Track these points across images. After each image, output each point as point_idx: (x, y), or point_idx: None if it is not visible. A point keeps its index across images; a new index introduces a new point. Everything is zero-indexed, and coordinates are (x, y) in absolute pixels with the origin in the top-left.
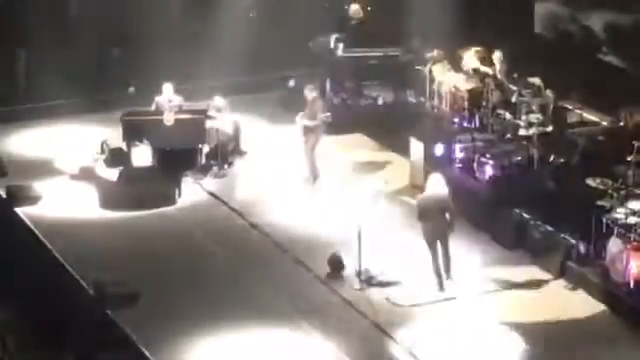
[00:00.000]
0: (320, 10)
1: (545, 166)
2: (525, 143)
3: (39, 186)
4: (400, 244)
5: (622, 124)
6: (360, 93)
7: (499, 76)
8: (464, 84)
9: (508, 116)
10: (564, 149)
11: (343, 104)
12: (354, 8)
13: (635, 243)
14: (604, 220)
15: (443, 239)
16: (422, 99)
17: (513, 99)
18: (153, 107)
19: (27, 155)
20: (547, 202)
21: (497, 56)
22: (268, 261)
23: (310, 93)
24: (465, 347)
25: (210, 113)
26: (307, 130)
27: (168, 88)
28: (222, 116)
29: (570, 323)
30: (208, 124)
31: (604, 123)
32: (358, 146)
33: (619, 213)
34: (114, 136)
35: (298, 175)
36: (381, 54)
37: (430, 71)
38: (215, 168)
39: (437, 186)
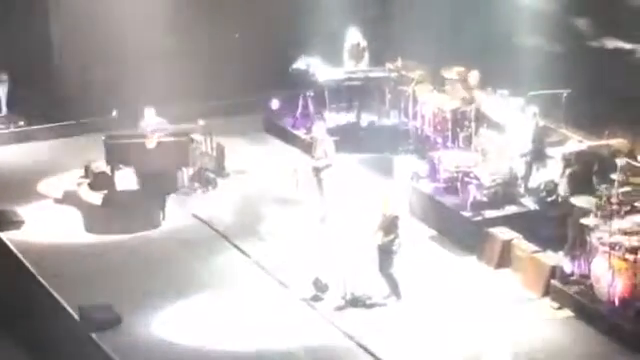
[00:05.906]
0: (304, 31)
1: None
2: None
3: (22, 210)
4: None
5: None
6: (343, 114)
7: (479, 95)
8: (447, 104)
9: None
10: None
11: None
12: (353, 32)
13: (620, 261)
14: (589, 239)
15: None
16: (405, 119)
17: (496, 118)
18: (138, 131)
19: (10, 179)
20: (531, 221)
21: (474, 75)
22: (252, 283)
23: (320, 132)
24: None
25: (193, 135)
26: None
27: (150, 113)
28: (205, 138)
29: (555, 343)
30: (191, 146)
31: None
32: (341, 167)
33: (604, 231)
34: (98, 160)
35: (280, 196)
36: (364, 75)
37: (413, 91)
38: (199, 190)
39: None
